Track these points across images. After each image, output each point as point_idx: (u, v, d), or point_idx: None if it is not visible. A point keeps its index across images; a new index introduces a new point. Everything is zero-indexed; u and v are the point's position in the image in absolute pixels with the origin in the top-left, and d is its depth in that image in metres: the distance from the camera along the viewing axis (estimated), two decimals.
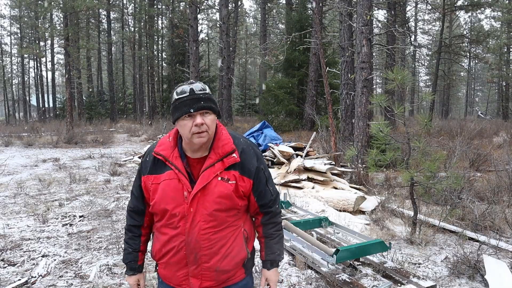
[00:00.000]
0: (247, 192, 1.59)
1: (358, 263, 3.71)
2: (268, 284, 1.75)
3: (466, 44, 25.81)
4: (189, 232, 1.53)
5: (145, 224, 1.72)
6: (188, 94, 1.48)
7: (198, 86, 1.50)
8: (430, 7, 27.37)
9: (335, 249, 3.37)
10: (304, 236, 3.93)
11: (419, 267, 3.75)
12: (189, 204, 1.51)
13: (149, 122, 24.81)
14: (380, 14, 30.27)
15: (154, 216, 1.65)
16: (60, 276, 3.58)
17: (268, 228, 1.71)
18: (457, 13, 28.65)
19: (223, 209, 1.54)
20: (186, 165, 1.55)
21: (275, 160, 8.49)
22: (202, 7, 28.01)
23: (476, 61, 36.05)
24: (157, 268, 1.70)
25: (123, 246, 1.77)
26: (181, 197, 1.52)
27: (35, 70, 37.74)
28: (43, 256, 4.02)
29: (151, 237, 1.75)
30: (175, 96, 1.51)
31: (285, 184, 7.07)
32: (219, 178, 1.53)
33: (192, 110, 1.46)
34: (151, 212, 1.63)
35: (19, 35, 36.28)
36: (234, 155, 1.55)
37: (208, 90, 1.53)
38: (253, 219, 1.75)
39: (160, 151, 1.57)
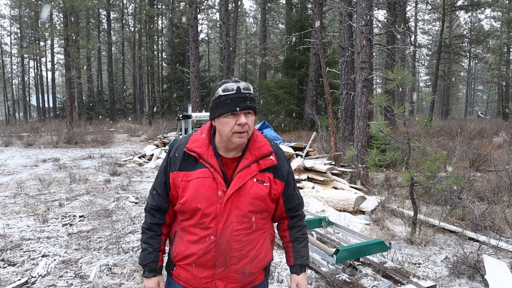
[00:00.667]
0: (278, 195, 1.59)
1: (358, 263, 3.71)
2: None
3: (466, 44, 25.82)
4: (221, 233, 1.49)
5: (167, 222, 1.64)
6: (235, 92, 1.45)
7: (243, 84, 1.48)
8: (430, 7, 27.38)
9: (335, 249, 3.37)
10: None
11: (419, 267, 3.75)
12: (223, 205, 1.47)
13: (149, 122, 24.81)
14: (380, 14, 30.27)
15: (179, 215, 1.58)
16: (60, 276, 3.57)
17: (295, 232, 1.70)
18: (457, 13, 28.65)
19: (256, 211, 1.52)
20: (221, 164, 1.52)
21: None
22: (202, 7, 28.01)
23: (476, 61, 36.05)
24: (173, 270, 1.62)
25: (141, 246, 1.65)
26: (215, 197, 1.48)
27: (35, 70, 37.76)
28: (43, 256, 4.02)
29: (173, 237, 1.65)
30: (220, 93, 1.46)
31: None
32: (255, 180, 1.51)
33: (238, 109, 1.43)
34: (178, 210, 1.56)
35: (19, 35, 36.29)
36: (271, 157, 1.54)
37: (252, 90, 1.51)
38: (277, 224, 1.75)
39: (194, 148, 1.52)
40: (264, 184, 1.52)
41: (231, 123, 1.45)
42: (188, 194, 1.48)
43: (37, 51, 25.37)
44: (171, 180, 1.53)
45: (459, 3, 23.65)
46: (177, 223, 1.60)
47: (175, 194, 1.54)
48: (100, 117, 28.34)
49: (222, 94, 1.46)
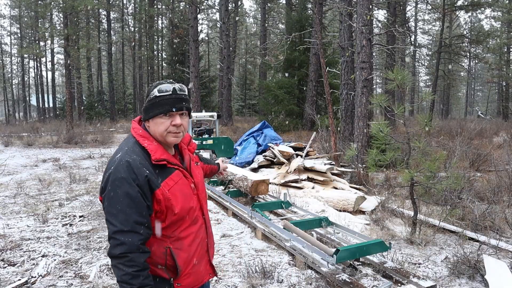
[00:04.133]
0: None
1: (358, 263, 3.70)
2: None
3: (466, 44, 25.79)
4: (205, 218, 1.68)
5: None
6: (171, 93, 1.50)
7: (178, 86, 1.55)
8: (430, 7, 27.36)
9: (335, 249, 3.37)
10: (304, 236, 3.93)
11: (419, 267, 3.75)
12: (197, 194, 1.63)
13: None
14: (380, 14, 30.28)
15: (170, 226, 1.50)
16: (60, 276, 3.57)
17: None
18: (457, 13, 28.62)
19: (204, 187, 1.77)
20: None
21: (275, 160, 8.49)
22: (202, 7, 27.99)
23: (476, 61, 36.04)
24: (178, 285, 1.54)
25: None
26: (191, 190, 1.59)
27: (35, 70, 37.74)
28: (43, 256, 4.02)
29: (165, 256, 1.51)
30: (155, 93, 1.50)
31: (285, 184, 7.07)
32: (195, 163, 1.74)
33: (174, 110, 1.50)
34: (172, 222, 1.49)
35: (19, 35, 36.29)
36: (193, 141, 1.75)
37: (186, 92, 1.58)
38: None
39: (161, 156, 1.50)
40: (198, 163, 1.78)
41: (166, 123, 1.50)
42: (180, 199, 1.51)
43: (37, 51, 25.33)
44: (160, 196, 1.45)
45: (459, 3, 23.63)
46: (164, 240, 1.51)
47: (164, 209, 1.47)
48: (100, 117, 28.33)
49: (158, 95, 1.50)
